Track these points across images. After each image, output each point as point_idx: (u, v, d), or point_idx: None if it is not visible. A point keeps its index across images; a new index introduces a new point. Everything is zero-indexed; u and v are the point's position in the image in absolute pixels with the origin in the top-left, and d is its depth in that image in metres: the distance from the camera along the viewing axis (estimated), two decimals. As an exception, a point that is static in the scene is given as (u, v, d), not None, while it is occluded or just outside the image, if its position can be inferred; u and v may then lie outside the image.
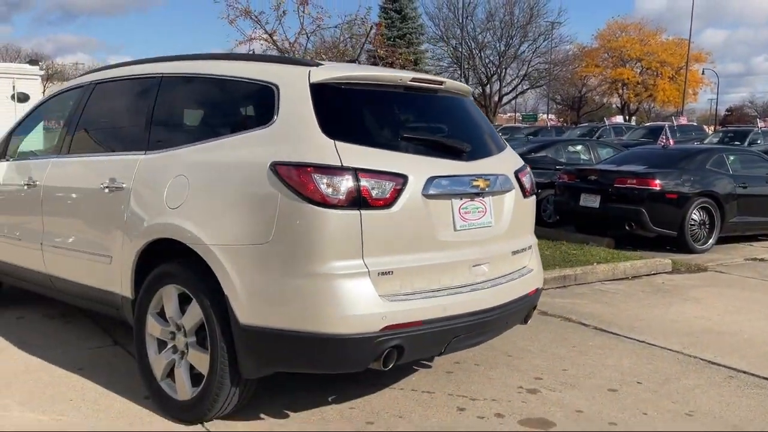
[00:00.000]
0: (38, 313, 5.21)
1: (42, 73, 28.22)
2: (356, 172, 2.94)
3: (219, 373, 3.12)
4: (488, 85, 46.98)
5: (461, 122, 3.70)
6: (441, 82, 3.62)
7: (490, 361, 4.34)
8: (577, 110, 56.40)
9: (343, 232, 2.91)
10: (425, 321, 3.07)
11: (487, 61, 47.19)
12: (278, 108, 3.16)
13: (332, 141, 3.00)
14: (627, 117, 51.28)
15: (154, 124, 3.71)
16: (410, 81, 3.44)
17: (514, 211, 3.62)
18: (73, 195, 4.06)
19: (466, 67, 44.93)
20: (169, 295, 3.36)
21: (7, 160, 4.74)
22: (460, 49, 45.14)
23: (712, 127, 42.10)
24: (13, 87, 24.58)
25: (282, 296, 2.95)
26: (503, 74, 47.21)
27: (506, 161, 3.76)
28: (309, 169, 2.92)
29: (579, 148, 12.20)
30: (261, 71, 3.37)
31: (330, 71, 3.28)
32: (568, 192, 9.55)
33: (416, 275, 3.12)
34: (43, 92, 32.05)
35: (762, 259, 8.49)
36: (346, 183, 2.92)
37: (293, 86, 3.19)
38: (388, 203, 3.01)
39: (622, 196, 8.75)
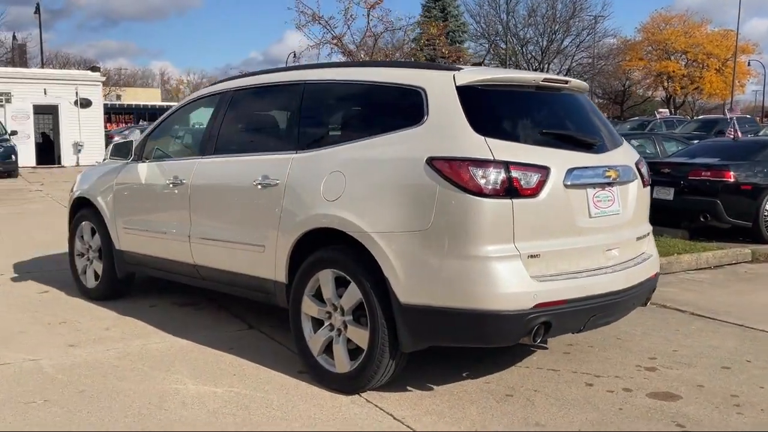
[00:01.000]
0: (167, 301, 5.64)
1: (103, 79, 29.30)
2: (507, 165, 3.27)
3: (379, 348, 3.47)
4: (531, 81, 46.75)
5: (585, 117, 3.98)
6: (566, 81, 3.93)
7: (602, 343, 4.61)
8: (620, 104, 55.73)
9: (498, 219, 3.24)
10: (569, 300, 3.38)
11: (529, 56, 47.12)
12: (427, 109, 3.50)
13: (482, 137, 3.33)
14: (672, 110, 50.52)
15: (302, 126, 4.09)
16: (542, 81, 3.76)
17: (636, 200, 3.91)
18: (223, 191, 4.44)
19: (508, 63, 44.89)
20: (326, 279, 3.72)
21: (144, 161, 5.16)
22: (503, 46, 45.13)
23: (758, 119, 41.16)
24: (76, 93, 25.64)
25: (442, 277, 3.28)
26: (546, 69, 47.05)
27: (628, 153, 4.04)
28: (466, 162, 3.25)
29: (644, 141, 12.30)
30: (408, 76, 3.71)
31: (473, 75, 3.60)
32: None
33: (559, 258, 3.43)
34: (104, 97, 33.02)
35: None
36: (500, 175, 3.25)
37: (441, 89, 3.52)
38: (534, 192, 3.33)
39: (696, 189, 8.89)
